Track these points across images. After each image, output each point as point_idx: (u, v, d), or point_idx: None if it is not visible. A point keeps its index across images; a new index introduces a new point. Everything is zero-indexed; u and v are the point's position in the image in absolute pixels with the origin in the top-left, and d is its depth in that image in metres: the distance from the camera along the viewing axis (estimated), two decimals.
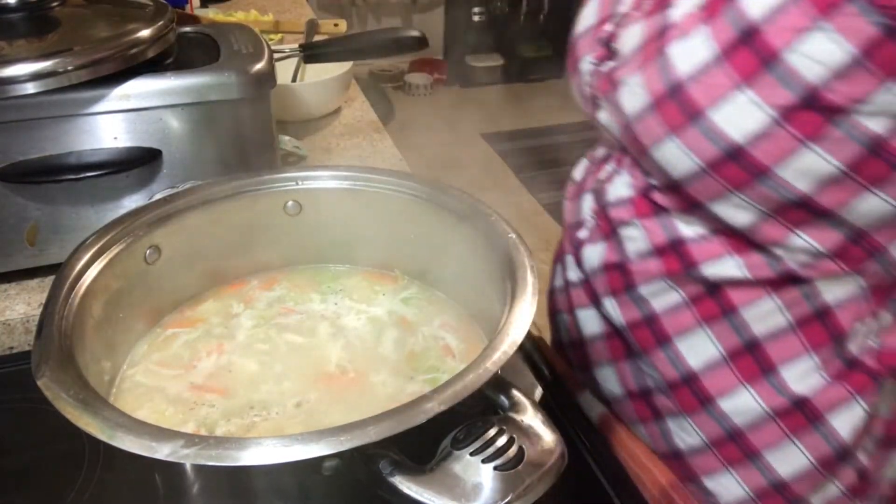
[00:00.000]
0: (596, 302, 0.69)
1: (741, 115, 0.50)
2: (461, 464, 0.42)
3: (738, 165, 0.52)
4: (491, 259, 0.59)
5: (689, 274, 0.61)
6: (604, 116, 0.64)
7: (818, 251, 0.55)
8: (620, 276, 0.65)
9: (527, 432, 0.44)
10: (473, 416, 0.45)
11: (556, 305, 0.78)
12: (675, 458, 0.67)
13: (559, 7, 3.84)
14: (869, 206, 0.52)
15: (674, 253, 0.61)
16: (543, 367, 0.71)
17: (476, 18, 3.86)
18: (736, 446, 0.63)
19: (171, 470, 0.46)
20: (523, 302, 0.51)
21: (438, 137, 3.40)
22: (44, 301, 0.53)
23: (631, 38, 0.59)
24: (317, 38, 1.32)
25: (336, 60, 1.12)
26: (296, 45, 1.06)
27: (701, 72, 0.51)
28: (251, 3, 1.65)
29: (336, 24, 1.39)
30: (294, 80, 1.19)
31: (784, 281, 0.58)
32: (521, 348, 0.48)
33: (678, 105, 0.53)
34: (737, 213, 0.56)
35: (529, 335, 0.49)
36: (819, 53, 0.47)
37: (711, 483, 0.65)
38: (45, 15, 0.79)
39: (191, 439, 0.41)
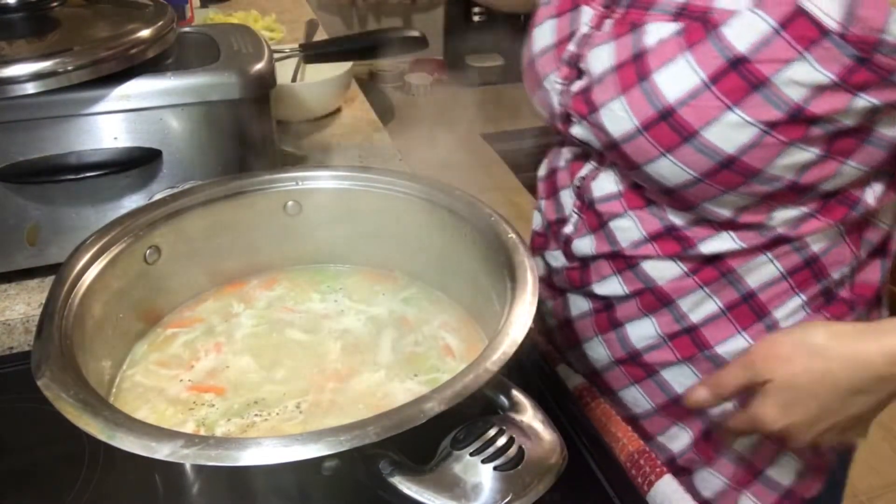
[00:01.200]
0: (586, 283, 0.73)
1: (733, 132, 0.56)
2: (461, 464, 0.42)
3: (732, 172, 0.58)
4: (491, 259, 0.59)
5: (687, 252, 0.65)
6: (579, 131, 0.66)
7: (803, 213, 0.62)
8: (620, 260, 0.69)
9: (527, 432, 0.44)
10: (473, 416, 0.45)
11: (540, 295, 0.80)
12: (675, 404, 0.71)
13: None
14: (846, 173, 0.59)
15: (669, 237, 0.66)
16: (543, 366, 0.71)
17: (476, 18, 3.86)
18: None
19: (171, 470, 0.46)
20: (523, 302, 0.51)
21: (438, 137, 3.40)
22: (44, 301, 0.53)
23: (600, 59, 0.62)
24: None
25: (336, 60, 1.12)
26: (296, 45, 1.06)
27: (691, 96, 0.56)
28: (251, 3, 1.65)
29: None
30: (294, 80, 1.19)
31: (776, 242, 0.64)
32: (521, 348, 0.48)
33: (670, 127, 0.57)
34: (722, 210, 0.62)
35: (529, 335, 0.49)
36: (803, 78, 0.54)
37: (715, 411, 0.69)
38: (45, 15, 0.79)
39: (190, 439, 0.41)
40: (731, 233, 0.63)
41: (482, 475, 0.42)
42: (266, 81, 0.80)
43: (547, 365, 0.72)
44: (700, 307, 0.67)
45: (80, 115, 0.73)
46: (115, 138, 0.76)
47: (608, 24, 0.63)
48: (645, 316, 0.70)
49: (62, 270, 0.55)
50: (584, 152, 0.70)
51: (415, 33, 1.05)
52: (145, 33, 0.75)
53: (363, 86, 1.34)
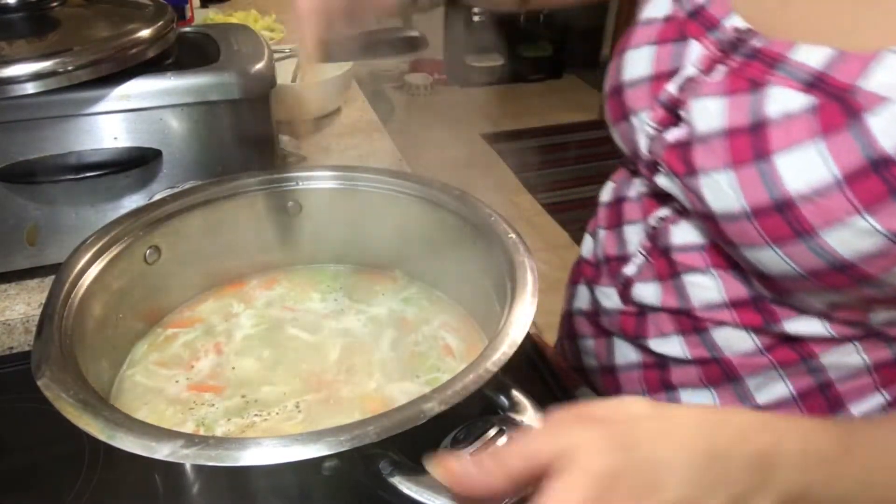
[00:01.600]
0: (642, 335, 0.65)
1: (857, 239, 0.48)
2: None
3: (843, 275, 0.50)
4: (491, 259, 0.59)
5: (769, 327, 0.58)
6: (666, 184, 0.59)
7: None
8: (687, 319, 0.61)
9: (527, 433, 0.44)
10: (473, 416, 0.45)
11: (580, 330, 0.75)
12: None
13: None
14: None
15: (753, 307, 0.58)
16: (543, 367, 0.71)
17: (476, 18, 3.85)
18: None
19: (171, 470, 0.46)
20: (523, 302, 0.51)
21: (438, 137, 3.40)
22: (44, 301, 0.53)
23: (707, 115, 0.53)
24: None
25: (336, 60, 1.12)
26: (296, 45, 1.06)
27: (817, 193, 0.48)
28: (251, 3, 1.65)
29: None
30: (294, 80, 1.18)
31: (868, 334, 0.57)
32: (521, 348, 0.48)
33: (785, 220, 0.50)
34: (818, 303, 0.55)
35: (529, 335, 0.49)
36: None
37: None
38: (45, 15, 0.79)
39: (190, 439, 0.41)
40: (824, 319, 0.56)
41: None
42: (266, 81, 0.80)
43: (563, 387, 0.69)
44: (769, 388, 0.59)
45: (80, 115, 0.73)
46: (115, 138, 0.76)
47: (720, 71, 0.54)
48: (705, 387, 0.62)
49: (62, 270, 0.55)
50: (660, 192, 0.60)
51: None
52: (145, 33, 0.75)
53: (363, 86, 1.34)
